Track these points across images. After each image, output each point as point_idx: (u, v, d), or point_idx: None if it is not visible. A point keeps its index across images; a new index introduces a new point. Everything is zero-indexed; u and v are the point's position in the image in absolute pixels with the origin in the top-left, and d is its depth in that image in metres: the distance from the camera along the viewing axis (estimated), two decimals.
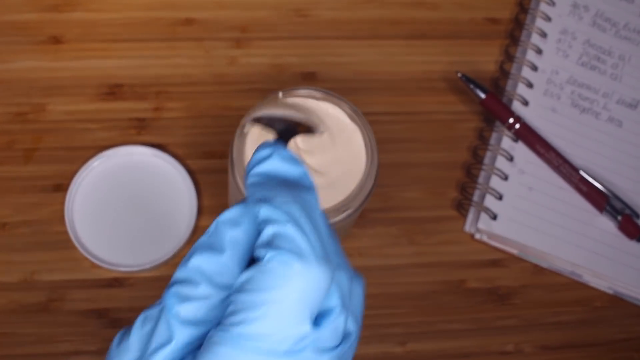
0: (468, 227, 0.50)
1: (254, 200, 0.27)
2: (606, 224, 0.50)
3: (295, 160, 0.28)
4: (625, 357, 0.48)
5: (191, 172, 0.48)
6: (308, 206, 0.26)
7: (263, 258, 0.25)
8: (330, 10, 0.54)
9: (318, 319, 0.25)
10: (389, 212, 0.49)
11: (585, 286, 0.49)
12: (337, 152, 0.39)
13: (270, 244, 0.25)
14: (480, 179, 0.50)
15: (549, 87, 0.53)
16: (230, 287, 0.26)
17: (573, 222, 0.49)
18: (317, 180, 0.33)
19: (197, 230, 0.47)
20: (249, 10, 0.54)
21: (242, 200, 0.28)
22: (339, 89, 0.43)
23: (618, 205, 0.50)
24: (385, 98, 0.52)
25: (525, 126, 0.51)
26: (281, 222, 0.25)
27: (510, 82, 0.53)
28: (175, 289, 0.26)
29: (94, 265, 0.45)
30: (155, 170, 0.48)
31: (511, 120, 0.50)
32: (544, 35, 0.54)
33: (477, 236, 0.49)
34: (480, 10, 0.56)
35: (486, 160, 0.51)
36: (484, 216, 0.49)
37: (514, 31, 0.56)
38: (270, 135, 0.38)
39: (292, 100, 0.40)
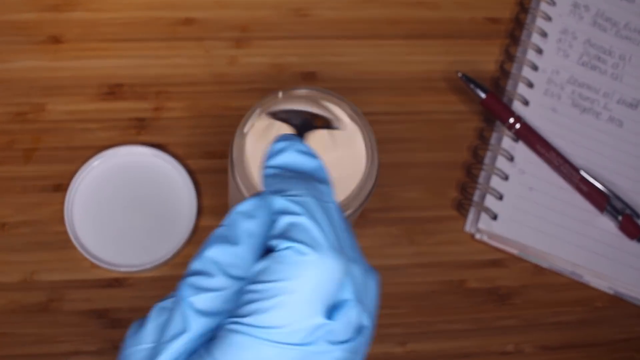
0: (468, 227, 0.50)
1: (269, 192, 0.27)
2: (607, 224, 0.50)
3: (312, 153, 0.29)
4: (625, 357, 0.48)
5: (191, 172, 0.48)
6: (323, 199, 0.27)
7: (278, 248, 0.25)
8: (331, 10, 0.54)
9: (331, 312, 0.25)
10: (389, 212, 0.49)
11: (585, 286, 0.49)
12: (337, 152, 0.39)
13: (285, 235, 0.25)
14: (481, 179, 0.50)
15: (550, 86, 0.53)
16: (245, 278, 0.26)
17: (573, 222, 0.49)
18: None
19: (197, 230, 0.47)
20: (249, 10, 0.54)
21: (258, 193, 0.28)
22: (339, 88, 0.43)
23: (618, 205, 0.49)
24: (386, 98, 0.52)
25: (526, 126, 0.51)
26: (296, 213, 0.25)
27: (510, 82, 0.53)
28: (190, 280, 0.26)
29: (94, 266, 0.45)
30: (155, 170, 0.48)
31: (511, 120, 0.50)
32: (544, 35, 0.54)
33: (478, 236, 0.49)
34: (481, 9, 0.56)
35: (486, 160, 0.51)
36: (484, 216, 0.49)
37: (514, 31, 0.55)
38: (273, 131, 0.38)
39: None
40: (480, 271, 0.49)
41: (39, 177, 0.47)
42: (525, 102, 0.52)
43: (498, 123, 0.52)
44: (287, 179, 0.27)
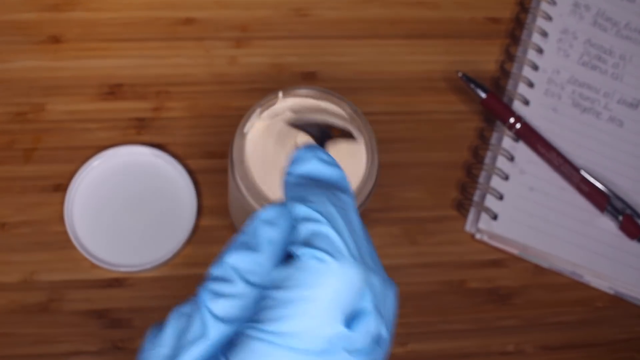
0: (469, 227, 0.49)
1: (291, 200, 0.27)
2: (607, 224, 0.50)
3: (334, 163, 0.29)
4: (626, 358, 0.48)
5: (191, 172, 0.48)
6: (345, 207, 0.27)
7: (299, 256, 0.25)
8: (331, 9, 0.54)
9: (350, 321, 0.25)
10: (389, 212, 0.49)
11: (586, 286, 0.49)
12: (337, 152, 0.39)
13: (306, 242, 0.25)
14: (481, 179, 0.50)
15: (550, 86, 0.53)
16: (265, 286, 0.26)
17: (574, 222, 0.49)
18: None
19: (197, 230, 0.47)
20: (249, 9, 0.54)
21: (280, 201, 0.28)
22: (339, 88, 0.43)
23: (619, 205, 0.49)
24: (386, 98, 0.52)
25: (526, 126, 0.51)
26: (318, 221, 0.26)
27: (511, 82, 0.53)
28: (209, 286, 0.26)
29: (94, 266, 0.45)
30: (155, 170, 0.48)
31: (512, 120, 0.50)
32: (544, 34, 0.54)
33: (478, 236, 0.49)
34: (481, 9, 0.56)
35: (487, 160, 0.51)
36: (484, 216, 0.49)
37: (514, 30, 0.55)
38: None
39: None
40: (480, 271, 0.49)
41: (39, 177, 0.47)
42: (526, 102, 0.52)
43: (498, 123, 0.52)
44: (309, 187, 0.28)
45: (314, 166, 0.29)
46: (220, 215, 0.47)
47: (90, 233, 0.46)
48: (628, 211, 0.49)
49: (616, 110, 0.53)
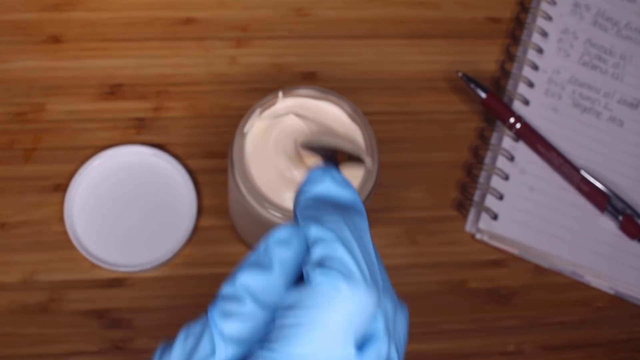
0: (469, 227, 0.49)
1: (305, 220, 0.27)
2: (607, 224, 0.50)
3: (348, 184, 0.29)
4: (627, 358, 0.48)
5: (191, 172, 0.48)
6: (359, 229, 0.27)
7: (312, 277, 0.25)
8: (331, 9, 0.54)
9: (362, 344, 0.25)
10: (389, 213, 0.49)
11: (586, 286, 0.49)
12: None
13: (320, 264, 0.25)
14: (481, 179, 0.50)
15: (550, 86, 0.53)
16: (276, 307, 0.26)
17: (574, 222, 0.49)
18: None
19: (197, 230, 0.47)
20: (249, 9, 0.54)
21: (293, 221, 0.28)
22: (339, 88, 0.43)
23: (619, 205, 0.49)
24: (386, 98, 0.52)
25: (526, 126, 0.50)
26: (331, 242, 0.25)
27: (511, 82, 0.53)
28: (220, 305, 0.26)
29: (94, 266, 0.45)
30: (155, 170, 0.48)
31: (512, 120, 0.50)
32: (545, 34, 0.54)
33: (478, 236, 0.49)
34: (481, 9, 0.56)
35: (487, 160, 0.51)
36: (484, 216, 0.49)
37: (514, 30, 0.55)
38: (271, 138, 0.38)
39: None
40: (481, 271, 0.49)
41: (39, 177, 0.47)
42: (526, 102, 0.52)
43: (498, 123, 0.52)
44: (322, 208, 0.28)
45: (328, 187, 0.29)
46: (220, 216, 0.47)
47: (90, 233, 0.46)
48: (628, 211, 0.49)
49: (616, 110, 0.53)
